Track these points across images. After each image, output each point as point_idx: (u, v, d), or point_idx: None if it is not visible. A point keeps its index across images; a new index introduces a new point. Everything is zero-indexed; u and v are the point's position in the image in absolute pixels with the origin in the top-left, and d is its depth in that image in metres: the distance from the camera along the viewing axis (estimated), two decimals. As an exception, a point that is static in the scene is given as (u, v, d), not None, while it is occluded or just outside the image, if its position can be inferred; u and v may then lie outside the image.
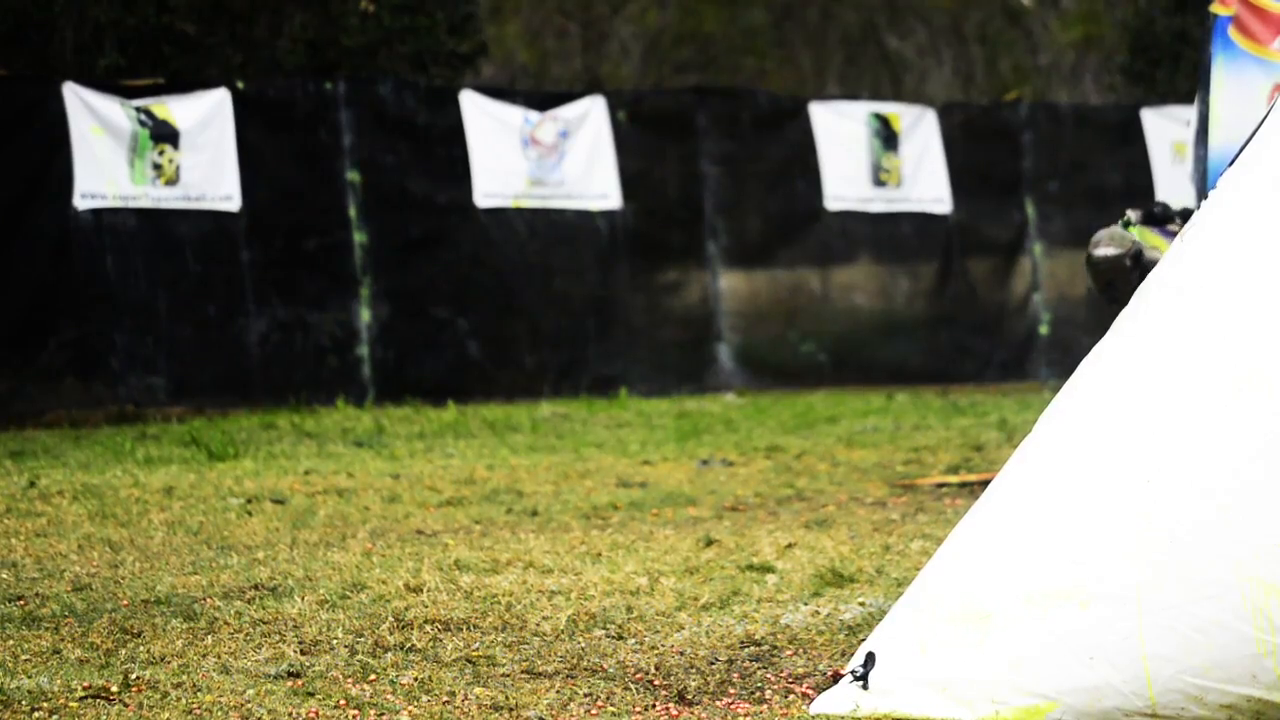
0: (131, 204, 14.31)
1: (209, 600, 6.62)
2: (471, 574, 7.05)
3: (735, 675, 5.51)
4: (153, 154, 14.33)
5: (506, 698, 5.16)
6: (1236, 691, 4.56)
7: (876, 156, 17.26)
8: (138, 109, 14.31)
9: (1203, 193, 9.43)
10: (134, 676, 5.27)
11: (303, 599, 6.54)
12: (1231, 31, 9.74)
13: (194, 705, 4.99)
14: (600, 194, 16.28)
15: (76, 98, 14.13)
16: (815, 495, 9.84)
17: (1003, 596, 4.76)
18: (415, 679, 5.36)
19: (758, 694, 5.28)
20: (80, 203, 14.09)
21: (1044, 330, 17.76)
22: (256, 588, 6.85)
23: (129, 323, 14.35)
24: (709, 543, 7.97)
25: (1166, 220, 9.14)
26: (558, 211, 16.15)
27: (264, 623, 6.18)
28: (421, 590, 6.69)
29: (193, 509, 8.99)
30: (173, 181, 14.43)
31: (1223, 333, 4.76)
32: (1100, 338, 5.01)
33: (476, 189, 15.78)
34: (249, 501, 9.25)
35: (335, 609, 6.38)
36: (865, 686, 4.90)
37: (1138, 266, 9.12)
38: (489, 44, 20.18)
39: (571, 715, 5.03)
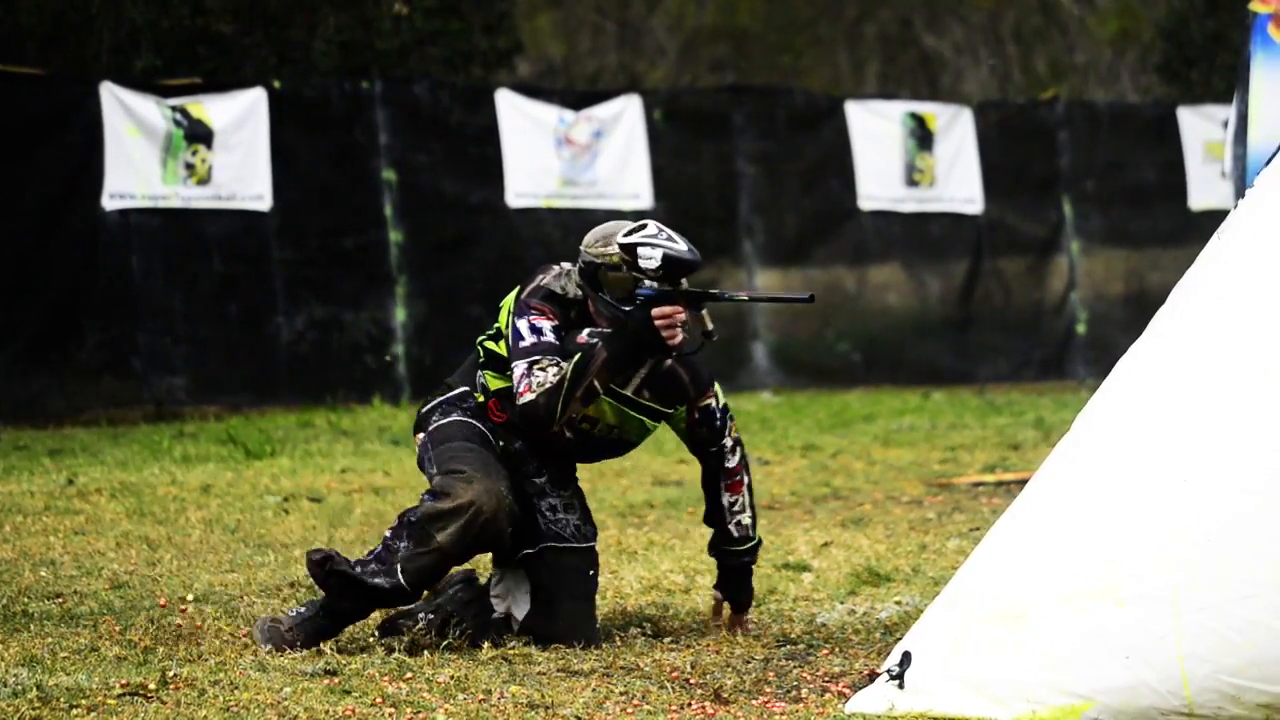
0: (161, 204, 14.34)
1: (246, 598, 6.64)
2: (507, 572, 7.04)
3: (771, 674, 5.51)
4: (185, 154, 14.37)
5: (542, 696, 5.17)
6: (1274, 691, 4.55)
7: (911, 156, 17.23)
8: (173, 108, 14.35)
9: (1240, 191, 9.40)
10: (172, 674, 5.28)
11: (339, 597, 6.54)
12: (1271, 29, 9.71)
13: (231, 703, 5.01)
14: (632, 193, 16.28)
15: (114, 98, 14.17)
16: (851, 494, 9.83)
17: (1039, 596, 4.75)
18: (452, 677, 5.36)
19: (793, 693, 5.27)
20: (109, 203, 14.13)
21: (1081, 329, 17.71)
22: (293, 586, 6.87)
23: (164, 322, 14.39)
24: (744, 541, 7.94)
25: None
26: (589, 211, 16.14)
27: (301, 621, 6.19)
28: (458, 588, 6.68)
29: (230, 507, 9.02)
30: (204, 181, 14.46)
31: (1259, 332, 4.74)
32: (1137, 337, 5.00)
33: (509, 189, 15.79)
34: (286, 500, 9.28)
35: (372, 607, 6.38)
36: (901, 685, 4.90)
37: None
38: (523, 41, 20.18)
39: (607, 714, 5.03)
